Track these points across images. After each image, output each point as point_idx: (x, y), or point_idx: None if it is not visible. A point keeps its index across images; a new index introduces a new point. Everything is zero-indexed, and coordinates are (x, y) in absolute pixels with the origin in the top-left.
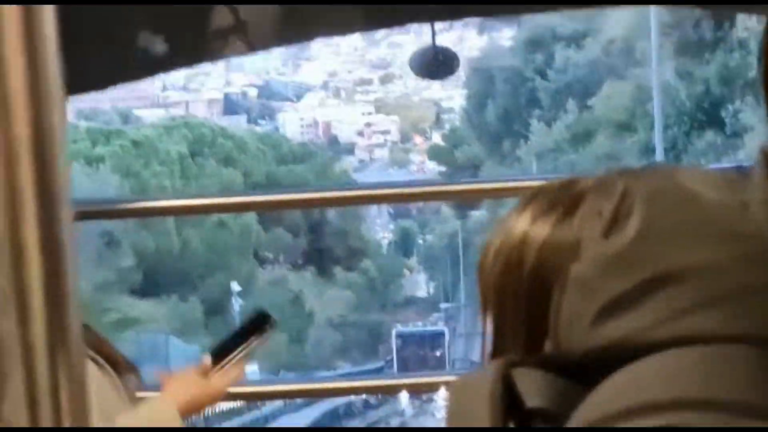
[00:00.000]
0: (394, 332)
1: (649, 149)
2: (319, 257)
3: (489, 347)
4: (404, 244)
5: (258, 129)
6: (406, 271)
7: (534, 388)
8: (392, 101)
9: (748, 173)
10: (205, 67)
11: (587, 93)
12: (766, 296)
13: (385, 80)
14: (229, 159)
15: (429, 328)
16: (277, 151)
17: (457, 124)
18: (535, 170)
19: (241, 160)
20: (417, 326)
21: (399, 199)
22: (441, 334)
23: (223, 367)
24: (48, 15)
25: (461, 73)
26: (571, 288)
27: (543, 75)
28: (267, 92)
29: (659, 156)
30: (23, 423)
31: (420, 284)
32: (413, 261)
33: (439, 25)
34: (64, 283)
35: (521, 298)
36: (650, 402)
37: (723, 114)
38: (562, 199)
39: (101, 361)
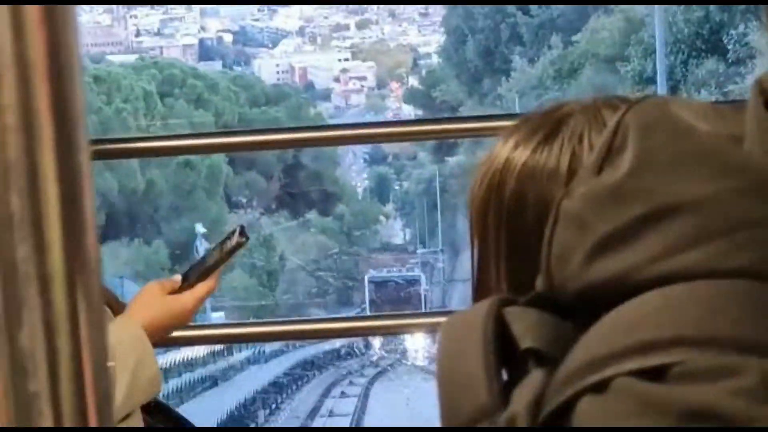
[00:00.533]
0: (366, 278)
1: (643, 79)
2: (293, 201)
3: (474, 273)
4: (380, 190)
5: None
6: (382, 218)
7: (527, 328)
8: (368, 47)
9: (741, 105)
10: (180, 11)
11: (572, 28)
12: (763, 229)
13: (361, 26)
14: (200, 100)
15: (404, 273)
16: (250, 93)
17: (434, 66)
18: (518, 108)
19: (213, 101)
20: (392, 272)
21: (376, 139)
22: (416, 279)
23: (191, 283)
24: None
25: (440, 9)
26: (562, 224)
27: (525, 10)
28: (242, 38)
29: (660, 86)
30: (40, 351)
31: (396, 231)
32: (389, 207)
33: None
34: (82, 210)
35: (502, 221)
36: (648, 340)
37: (725, 40)
38: (543, 125)
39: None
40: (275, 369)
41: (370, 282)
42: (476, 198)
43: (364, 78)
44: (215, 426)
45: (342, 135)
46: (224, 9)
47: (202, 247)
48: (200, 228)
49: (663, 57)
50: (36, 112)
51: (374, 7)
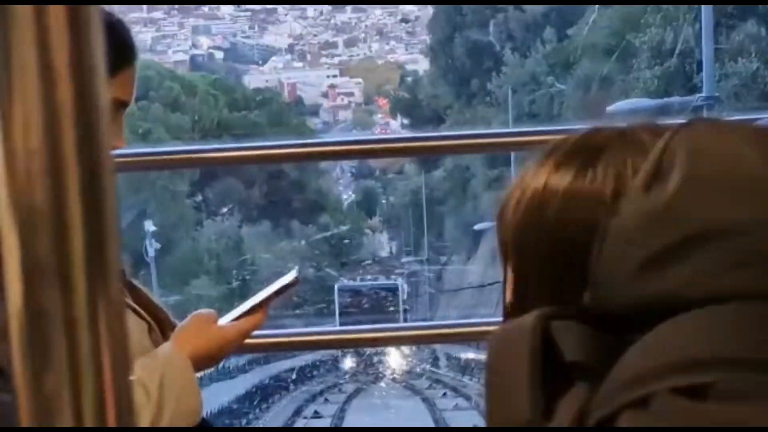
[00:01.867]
0: (336, 286)
1: (662, 52)
2: (275, 210)
3: (510, 297)
4: (367, 204)
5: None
6: (368, 231)
7: (573, 342)
8: (356, 64)
9: None
10: (172, 28)
11: (567, 22)
12: None
13: (349, 43)
14: (177, 103)
15: (379, 282)
16: (230, 97)
17: (421, 74)
18: (510, 105)
19: (190, 104)
20: (365, 280)
21: (363, 154)
22: (393, 288)
23: (238, 317)
24: None
25: (426, 24)
26: (612, 240)
27: (516, 5)
28: (233, 55)
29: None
30: (66, 396)
31: (383, 244)
32: (376, 221)
33: None
34: (107, 252)
35: (543, 246)
36: (689, 359)
37: None
38: (580, 151)
39: (147, 317)
40: (241, 386)
41: (340, 291)
42: (511, 222)
43: (351, 94)
44: None
45: (331, 150)
46: (216, 26)
47: (151, 248)
48: (149, 226)
49: (709, 16)
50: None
51: (362, 25)
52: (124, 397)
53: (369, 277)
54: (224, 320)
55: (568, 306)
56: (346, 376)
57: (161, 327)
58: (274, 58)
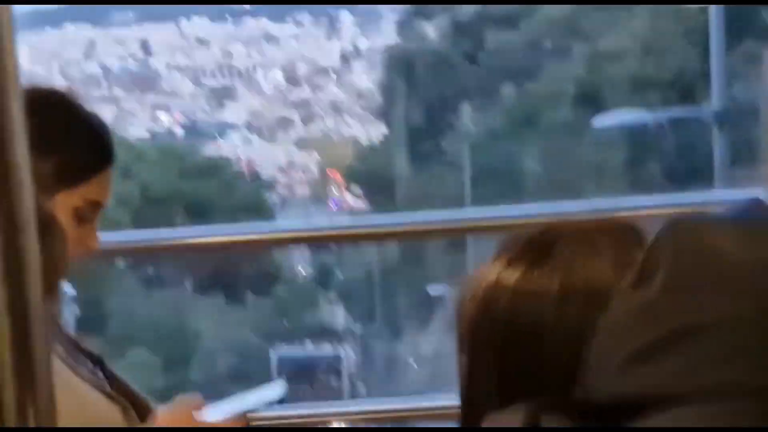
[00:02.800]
0: (274, 356)
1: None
2: (227, 281)
3: (463, 386)
4: (322, 278)
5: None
6: (322, 303)
7: None
8: (313, 140)
9: None
10: (132, 105)
11: (527, 75)
12: None
13: (306, 120)
14: (126, 171)
15: (321, 352)
16: (180, 165)
17: (374, 142)
18: (469, 165)
19: (139, 172)
20: (307, 350)
21: (319, 240)
22: (337, 358)
23: (223, 418)
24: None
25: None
26: (602, 335)
27: (471, 60)
28: (192, 131)
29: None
30: None
31: (337, 316)
32: (332, 294)
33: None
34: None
35: (495, 340)
36: None
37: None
38: (532, 247)
39: (122, 400)
40: None
41: (279, 361)
42: (466, 313)
43: (308, 169)
44: None
45: (288, 236)
46: (175, 104)
47: (69, 310)
48: (69, 289)
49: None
50: None
51: (320, 101)
52: None
53: (312, 347)
54: (207, 412)
55: (556, 397)
56: None
57: (139, 411)
58: (231, 132)
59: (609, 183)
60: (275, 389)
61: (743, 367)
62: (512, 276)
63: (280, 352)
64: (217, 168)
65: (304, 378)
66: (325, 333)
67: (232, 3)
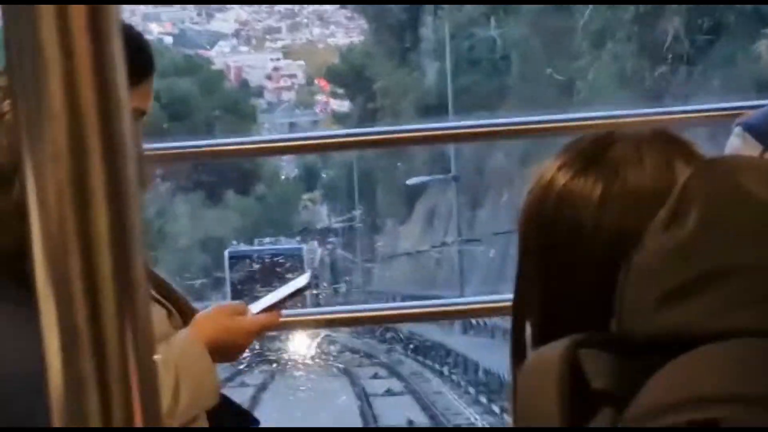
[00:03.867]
0: (226, 253)
1: None
2: (209, 180)
3: (514, 291)
4: (308, 177)
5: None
6: (308, 203)
7: (599, 370)
8: (299, 48)
9: None
10: (123, 15)
11: None
12: None
13: (292, 28)
14: None
15: (279, 246)
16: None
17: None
18: (448, 52)
19: None
20: (263, 244)
21: (324, 148)
22: (296, 253)
23: (257, 313)
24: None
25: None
26: (634, 275)
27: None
28: (182, 40)
29: None
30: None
31: (320, 215)
32: (316, 194)
33: None
34: (132, 262)
35: (539, 244)
36: (703, 395)
37: None
38: (587, 151)
39: (167, 303)
40: None
41: (230, 258)
42: (522, 212)
43: (294, 76)
44: None
45: (276, 146)
46: (166, 13)
47: None
48: None
49: None
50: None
51: (305, 10)
52: (151, 400)
53: (268, 240)
54: (242, 308)
55: (595, 333)
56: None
57: (182, 313)
58: (220, 42)
59: None
60: (302, 280)
61: None
62: (562, 179)
63: (231, 247)
64: (194, 66)
65: (260, 273)
66: (306, 230)
67: (229, 3)
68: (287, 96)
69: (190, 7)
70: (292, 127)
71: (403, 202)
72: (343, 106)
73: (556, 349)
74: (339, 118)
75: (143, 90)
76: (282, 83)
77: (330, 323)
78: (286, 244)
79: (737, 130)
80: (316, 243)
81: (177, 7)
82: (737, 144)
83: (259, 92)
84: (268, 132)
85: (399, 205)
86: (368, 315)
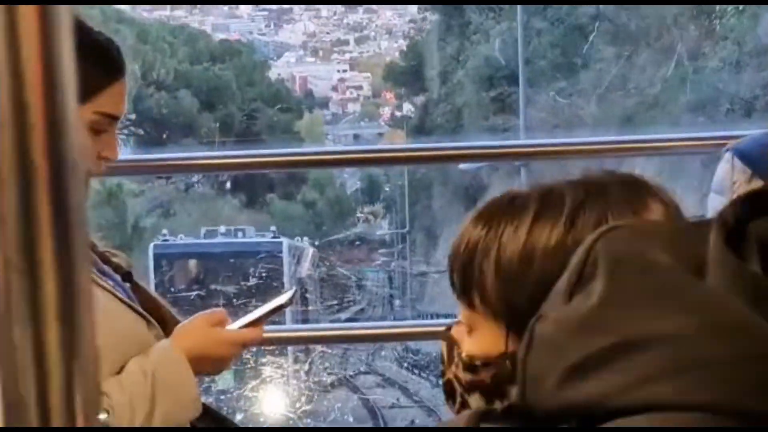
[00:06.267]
0: (151, 246)
1: None
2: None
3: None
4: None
5: (169, 20)
6: (371, 217)
7: None
8: (365, 60)
9: (707, 226)
10: (194, 26)
11: None
12: (726, 366)
13: (360, 41)
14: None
15: (237, 238)
16: (190, 47)
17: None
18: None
19: (141, 52)
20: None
21: (373, 162)
22: (266, 250)
23: (240, 327)
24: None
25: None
26: (537, 346)
27: None
28: (250, 50)
29: None
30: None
31: (382, 227)
32: (378, 207)
33: None
34: (74, 250)
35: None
36: None
37: None
38: (486, 210)
39: (145, 314)
40: None
41: (155, 254)
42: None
43: (360, 87)
44: None
45: (336, 158)
46: (234, 24)
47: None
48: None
49: None
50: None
51: (373, 24)
52: (91, 399)
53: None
54: (221, 317)
55: (497, 407)
56: None
57: (164, 324)
58: (287, 53)
59: None
60: (285, 296)
61: (686, 382)
62: (470, 230)
63: (157, 239)
64: (232, 51)
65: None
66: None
67: (237, 3)
68: (352, 108)
69: (259, 18)
70: (356, 138)
71: (462, 203)
72: (406, 108)
73: (460, 420)
74: (400, 122)
75: (112, 93)
76: (348, 95)
77: (324, 339)
78: (255, 236)
79: (726, 155)
80: (306, 240)
81: (246, 18)
82: (726, 169)
83: (324, 103)
84: (331, 143)
85: (458, 207)
86: (367, 333)
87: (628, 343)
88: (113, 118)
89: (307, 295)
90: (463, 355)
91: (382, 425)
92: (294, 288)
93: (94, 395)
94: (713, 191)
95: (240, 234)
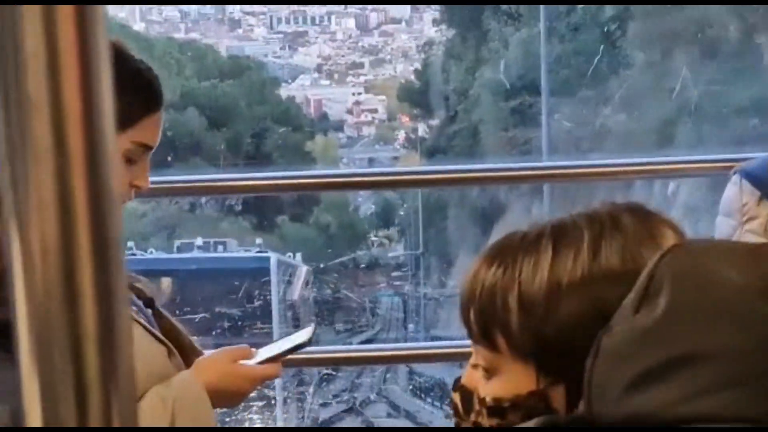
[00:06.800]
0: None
1: None
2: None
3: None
4: (384, 214)
5: (178, 37)
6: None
7: None
8: (381, 83)
9: None
10: (200, 42)
11: None
12: None
13: (375, 64)
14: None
15: (216, 253)
16: (198, 64)
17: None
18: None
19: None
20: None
21: (386, 185)
22: (249, 266)
23: (260, 362)
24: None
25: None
26: (603, 357)
27: None
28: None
29: None
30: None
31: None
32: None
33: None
34: (109, 207)
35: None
36: None
37: None
38: (497, 250)
39: (167, 342)
40: None
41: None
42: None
43: (375, 110)
44: None
45: (350, 181)
46: (249, 47)
47: None
48: None
49: None
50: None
51: (388, 47)
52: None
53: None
54: (245, 352)
55: (562, 416)
56: None
57: (183, 353)
58: (302, 76)
59: None
60: (305, 334)
61: (743, 396)
62: (477, 269)
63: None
64: (241, 68)
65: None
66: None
67: (235, 3)
68: (367, 131)
69: (274, 41)
70: (371, 162)
71: (479, 226)
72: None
73: (528, 428)
74: (416, 144)
75: (149, 124)
76: (363, 118)
77: (335, 361)
78: (238, 251)
79: (734, 178)
80: (300, 257)
81: (261, 40)
82: (734, 191)
83: (339, 126)
84: (345, 166)
85: (474, 230)
86: (376, 355)
87: (686, 357)
88: (148, 148)
89: (299, 320)
90: (488, 399)
91: None
92: (312, 325)
93: (132, 421)
94: (721, 214)
95: (220, 248)
